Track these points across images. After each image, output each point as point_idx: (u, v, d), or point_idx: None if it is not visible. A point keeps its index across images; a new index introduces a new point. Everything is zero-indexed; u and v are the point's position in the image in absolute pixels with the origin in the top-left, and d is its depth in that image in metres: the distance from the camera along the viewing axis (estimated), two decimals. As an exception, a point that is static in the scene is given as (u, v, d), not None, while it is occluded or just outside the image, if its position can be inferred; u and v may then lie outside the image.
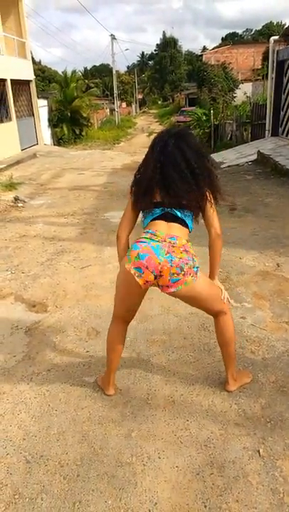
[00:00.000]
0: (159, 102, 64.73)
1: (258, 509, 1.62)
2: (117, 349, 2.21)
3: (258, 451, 1.88)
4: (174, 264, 1.86)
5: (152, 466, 1.84)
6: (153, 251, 1.86)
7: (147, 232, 1.95)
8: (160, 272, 1.87)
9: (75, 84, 21.73)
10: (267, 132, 12.25)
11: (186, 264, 1.89)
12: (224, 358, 2.25)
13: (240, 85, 21.02)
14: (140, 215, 2.08)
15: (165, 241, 1.89)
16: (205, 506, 1.64)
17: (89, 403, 2.24)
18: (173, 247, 1.89)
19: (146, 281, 1.90)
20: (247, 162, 9.60)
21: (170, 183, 1.90)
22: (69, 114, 20.71)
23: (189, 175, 1.89)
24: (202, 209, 2.02)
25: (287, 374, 2.38)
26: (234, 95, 19.91)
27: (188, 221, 2.01)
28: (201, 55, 33.52)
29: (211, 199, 2.03)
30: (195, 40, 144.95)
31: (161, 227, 1.94)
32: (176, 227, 1.95)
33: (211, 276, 2.18)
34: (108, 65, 48.49)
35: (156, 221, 1.96)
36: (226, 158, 11.40)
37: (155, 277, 1.89)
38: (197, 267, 1.96)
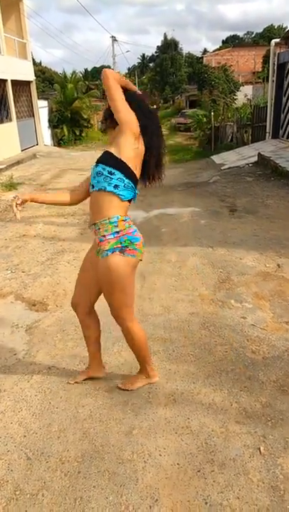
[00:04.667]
0: (160, 104, 64.83)
1: (259, 506, 1.63)
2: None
3: (259, 448, 1.88)
4: None
5: (153, 463, 1.84)
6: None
7: (129, 219, 2.01)
8: None
9: (74, 85, 21.73)
10: (267, 134, 12.29)
11: None
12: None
13: (241, 88, 21.13)
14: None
15: None
16: (206, 503, 1.65)
17: (90, 401, 2.24)
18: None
19: None
20: (247, 164, 9.62)
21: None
22: (69, 115, 20.71)
23: None
24: None
25: (287, 373, 2.39)
26: (235, 97, 19.99)
27: None
28: (202, 58, 33.62)
29: None
30: (197, 42, 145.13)
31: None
32: None
33: None
34: (109, 66, 48.60)
35: (128, 205, 2.02)
36: (226, 159, 11.42)
37: None
38: None
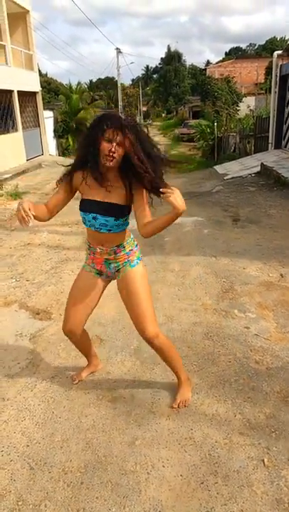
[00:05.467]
0: (163, 115, 65.37)
1: (263, 519, 1.61)
2: None
3: (263, 460, 1.87)
4: None
5: (156, 474, 1.83)
6: None
7: None
8: None
9: (79, 96, 22.04)
10: (270, 145, 12.36)
11: None
12: None
13: (244, 99, 21.31)
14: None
15: None
16: (209, 515, 1.63)
17: (93, 411, 2.24)
18: None
19: None
20: (250, 174, 9.66)
21: None
22: (74, 125, 20.97)
23: None
24: None
25: (291, 384, 2.38)
26: (237, 108, 20.15)
27: None
28: (205, 69, 33.98)
29: None
30: (200, 54, 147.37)
31: None
32: None
33: None
34: (113, 77, 49.24)
35: None
36: (229, 170, 11.48)
37: None
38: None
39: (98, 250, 2.07)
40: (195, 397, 2.30)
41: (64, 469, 1.88)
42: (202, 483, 1.78)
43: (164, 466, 1.87)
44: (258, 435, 2.02)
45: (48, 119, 18.61)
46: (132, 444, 2.00)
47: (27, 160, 14.51)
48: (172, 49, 57.30)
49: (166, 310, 3.32)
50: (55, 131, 20.54)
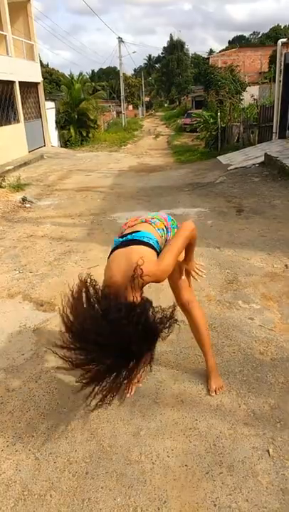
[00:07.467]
0: (166, 105, 64.87)
1: (268, 509, 1.61)
2: None
3: (268, 451, 1.87)
4: None
5: (161, 464, 1.84)
6: None
7: None
8: None
9: (80, 86, 21.85)
10: (274, 135, 12.23)
11: None
12: None
13: (247, 88, 21.03)
14: None
15: None
16: (214, 505, 1.64)
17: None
18: None
19: None
20: (254, 164, 9.57)
21: None
22: (76, 116, 20.84)
23: None
24: None
25: (296, 375, 2.37)
26: (241, 98, 19.91)
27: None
28: (208, 58, 33.52)
29: None
30: (203, 42, 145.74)
31: None
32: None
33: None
34: (115, 67, 48.83)
35: None
36: (233, 160, 11.38)
37: None
38: None
39: None
40: (200, 388, 2.30)
41: (69, 459, 1.89)
42: (207, 473, 1.78)
43: (168, 456, 1.87)
44: (263, 425, 2.01)
45: (49, 109, 18.50)
46: (137, 435, 2.00)
47: (29, 151, 14.47)
48: (175, 38, 56.73)
49: (169, 301, 3.30)
50: (57, 122, 20.43)
